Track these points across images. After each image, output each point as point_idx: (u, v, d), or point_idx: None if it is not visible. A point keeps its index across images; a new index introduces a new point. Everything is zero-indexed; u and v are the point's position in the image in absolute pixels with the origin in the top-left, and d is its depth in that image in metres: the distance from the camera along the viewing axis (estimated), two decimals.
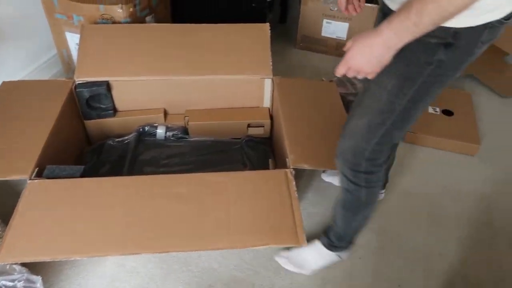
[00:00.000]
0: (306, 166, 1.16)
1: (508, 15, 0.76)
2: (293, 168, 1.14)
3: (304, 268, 1.26)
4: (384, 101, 0.86)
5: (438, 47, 0.78)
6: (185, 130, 1.53)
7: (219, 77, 1.46)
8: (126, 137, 1.48)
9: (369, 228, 1.41)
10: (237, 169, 1.41)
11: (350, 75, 0.80)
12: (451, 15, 0.67)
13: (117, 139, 1.48)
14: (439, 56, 0.79)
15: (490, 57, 2.14)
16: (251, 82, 1.49)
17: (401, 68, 0.81)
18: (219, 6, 2.00)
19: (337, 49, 2.22)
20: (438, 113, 1.79)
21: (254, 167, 1.42)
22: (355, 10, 1.04)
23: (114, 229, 0.98)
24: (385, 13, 0.91)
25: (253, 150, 1.50)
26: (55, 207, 1.02)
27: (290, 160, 1.17)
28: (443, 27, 0.73)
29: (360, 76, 0.80)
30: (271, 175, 1.14)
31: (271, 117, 1.54)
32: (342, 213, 1.14)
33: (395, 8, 0.80)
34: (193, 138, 1.52)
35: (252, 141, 1.52)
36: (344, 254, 1.27)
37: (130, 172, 1.38)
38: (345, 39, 2.17)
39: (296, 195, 1.07)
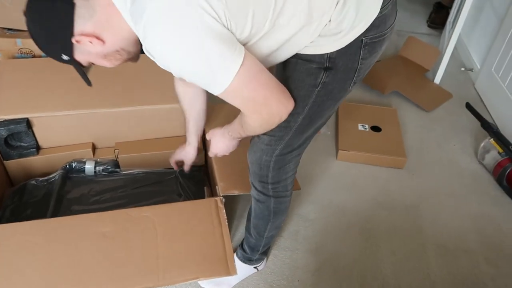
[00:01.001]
0: (236, 192, 1.16)
1: (370, 33, 0.84)
2: (223, 196, 1.14)
3: (223, 284, 1.30)
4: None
5: (319, 71, 0.87)
6: (116, 164, 1.48)
7: (146, 107, 1.43)
8: (52, 176, 1.41)
9: (307, 248, 1.43)
10: (172, 200, 1.38)
11: (220, 156, 1.12)
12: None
13: (41, 179, 1.40)
14: (322, 79, 0.88)
15: (412, 74, 2.29)
16: (180, 111, 1.48)
17: (292, 92, 0.88)
18: None
19: None
20: (367, 130, 1.88)
21: (190, 197, 1.40)
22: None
23: (37, 276, 0.92)
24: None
25: (188, 179, 1.48)
26: None
27: (219, 187, 1.16)
28: (318, 54, 0.85)
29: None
30: (201, 204, 1.13)
31: (204, 144, 1.54)
32: (254, 222, 1.20)
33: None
34: (125, 171, 1.47)
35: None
36: (260, 266, 1.36)
37: (56, 213, 1.30)
38: None
39: (226, 223, 1.07)
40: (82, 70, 0.90)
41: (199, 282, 1.29)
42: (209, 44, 0.72)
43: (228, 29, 0.75)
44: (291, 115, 0.90)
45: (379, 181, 1.72)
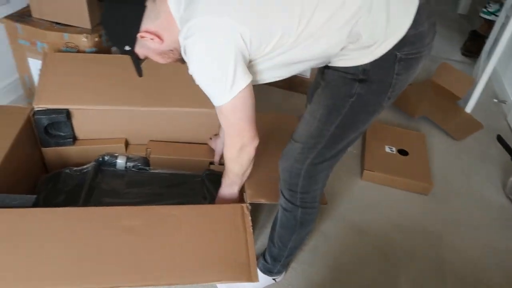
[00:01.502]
0: (263, 201, 1.18)
1: (404, 48, 0.88)
2: (249, 203, 1.15)
3: None
4: (315, 127, 0.99)
5: (354, 82, 0.92)
6: (146, 161, 1.52)
7: (182, 109, 1.47)
8: (85, 166, 1.45)
9: (325, 264, 1.43)
10: (197, 202, 1.41)
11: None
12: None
13: (75, 168, 1.45)
14: (357, 89, 0.92)
15: (443, 100, 2.28)
16: (215, 116, 1.51)
17: (327, 100, 0.96)
18: None
19: (301, 85, 2.29)
20: (394, 152, 1.87)
21: (214, 199, 1.43)
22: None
23: (60, 263, 0.95)
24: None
25: (214, 183, 1.50)
26: (1, 237, 0.98)
27: (247, 194, 1.18)
28: (352, 66, 0.90)
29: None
30: (227, 209, 1.14)
31: None
32: (279, 232, 1.21)
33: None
34: (153, 170, 1.51)
35: (213, 174, 1.53)
36: (278, 278, 1.36)
37: (87, 203, 1.34)
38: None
39: (251, 230, 1.08)
40: (138, 61, 1.06)
41: (217, 284, 1.29)
42: (225, 68, 0.86)
43: (247, 54, 0.88)
44: (324, 123, 0.96)
45: (403, 205, 1.71)
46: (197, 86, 1.49)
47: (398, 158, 1.85)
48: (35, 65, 1.71)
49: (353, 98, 0.93)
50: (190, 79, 1.51)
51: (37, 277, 0.93)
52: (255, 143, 1.02)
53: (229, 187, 1.19)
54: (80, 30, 1.62)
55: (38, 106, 1.38)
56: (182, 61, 1.01)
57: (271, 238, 1.26)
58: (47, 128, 1.41)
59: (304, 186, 1.07)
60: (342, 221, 1.60)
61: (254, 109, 0.97)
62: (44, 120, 1.38)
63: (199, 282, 0.98)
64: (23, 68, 1.76)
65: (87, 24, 1.62)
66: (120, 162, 1.48)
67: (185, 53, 0.91)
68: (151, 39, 0.96)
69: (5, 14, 1.67)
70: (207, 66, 0.89)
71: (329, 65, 0.96)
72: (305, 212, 1.13)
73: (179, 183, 1.49)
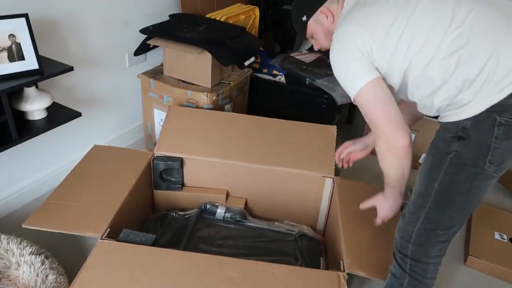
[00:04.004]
0: (361, 274, 1.15)
1: (505, 114, 0.88)
2: (347, 273, 1.13)
3: None
4: (422, 185, 1.02)
5: (453, 139, 0.95)
6: (243, 215, 1.58)
7: (281, 169, 1.53)
8: (189, 212, 1.57)
9: None
10: (288, 262, 1.41)
11: (388, 218, 1.18)
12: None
13: (180, 212, 1.56)
14: (455, 147, 0.94)
15: None
16: (312, 179, 1.54)
17: (430, 158, 1.01)
18: (290, 103, 2.16)
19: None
20: (505, 241, 1.70)
21: (305, 262, 1.42)
22: (345, 164, 1.41)
23: None
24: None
25: (306, 245, 1.50)
26: (118, 269, 1.09)
27: (345, 263, 1.16)
28: (453, 122, 0.94)
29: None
30: (323, 275, 1.13)
31: (327, 216, 1.56)
32: None
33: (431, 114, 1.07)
34: (249, 223, 1.56)
35: (306, 236, 1.54)
36: None
37: (187, 246, 1.43)
38: None
39: None
40: (302, 37, 1.24)
41: None
42: (352, 63, 1.01)
43: (371, 59, 1.00)
44: (429, 181, 0.98)
45: None
46: (302, 149, 1.58)
47: (509, 247, 1.67)
48: (158, 115, 1.95)
49: (451, 155, 0.95)
50: (297, 142, 1.61)
51: None
52: (401, 142, 0.98)
53: (392, 194, 1.12)
54: (201, 89, 1.81)
55: (158, 152, 1.55)
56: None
57: None
58: (161, 173, 1.57)
59: (413, 251, 1.05)
60: None
61: (391, 105, 0.99)
62: (161, 166, 1.54)
63: None
64: (148, 116, 2.00)
65: (208, 84, 1.82)
66: (220, 211, 1.57)
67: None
68: (326, 16, 1.13)
69: (143, 71, 1.95)
70: (338, 61, 1.03)
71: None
72: (412, 284, 1.07)
73: (272, 240, 1.51)
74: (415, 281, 1.07)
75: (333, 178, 1.52)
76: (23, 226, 1.18)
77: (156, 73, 1.92)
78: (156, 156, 1.55)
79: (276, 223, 1.56)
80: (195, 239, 1.48)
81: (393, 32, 0.96)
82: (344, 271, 1.13)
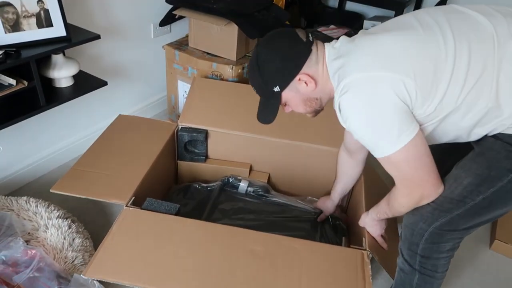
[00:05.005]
0: (376, 257, 1.13)
1: None
2: (370, 251, 1.12)
3: None
4: (457, 193, 0.92)
5: None
6: (266, 189, 1.58)
7: (305, 144, 1.51)
8: (212, 184, 1.57)
9: None
10: (309, 238, 1.41)
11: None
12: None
13: (203, 184, 1.57)
14: None
15: None
16: (336, 155, 1.51)
17: (481, 169, 0.89)
18: None
19: None
20: None
21: (327, 240, 1.41)
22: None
23: (192, 271, 1.03)
24: None
25: (328, 223, 1.49)
26: (142, 236, 1.10)
27: (366, 241, 1.15)
28: None
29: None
30: (346, 253, 1.12)
31: (350, 193, 1.54)
32: None
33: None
34: (272, 198, 1.56)
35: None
36: None
37: (209, 218, 1.44)
38: None
39: (370, 279, 1.04)
40: (277, 106, 1.03)
41: None
42: (391, 117, 0.84)
43: (411, 107, 0.85)
44: (470, 191, 0.89)
45: None
46: (327, 124, 1.54)
47: None
48: (182, 87, 1.93)
49: None
50: (322, 116, 1.57)
51: (169, 277, 1.01)
52: (440, 190, 0.93)
53: (381, 221, 1.16)
54: (226, 61, 1.79)
55: (182, 124, 1.55)
56: (316, 113, 1.05)
57: None
58: (186, 144, 1.57)
59: (424, 249, 0.99)
60: None
61: (430, 157, 0.89)
62: (186, 137, 1.54)
63: None
64: (172, 88, 1.99)
65: (233, 57, 1.79)
66: (243, 185, 1.57)
67: (339, 109, 0.91)
68: (306, 83, 0.95)
69: (168, 42, 1.93)
70: (368, 119, 0.86)
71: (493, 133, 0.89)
72: (422, 280, 1.03)
73: (295, 216, 1.51)
74: (426, 277, 1.03)
75: None
76: (51, 190, 1.21)
77: (181, 45, 1.90)
78: (181, 127, 1.54)
79: (298, 199, 1.55)
80: (217, 212, 1.49)
81: (440, 72, 0.82)
82: (367, 249, 1.12)
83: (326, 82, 0.96)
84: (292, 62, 0.94)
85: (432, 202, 0.95)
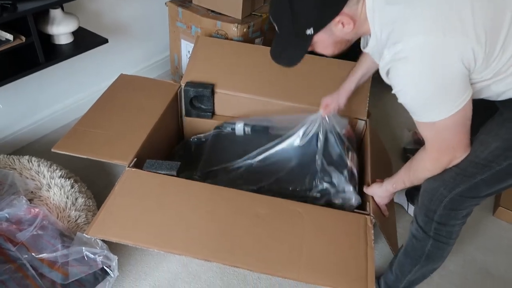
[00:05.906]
0: (378, 223, 1.13)
1: None
2: (373, 216, 1.11)
3: None
4: (482, 157, 0.88)
5: None
6: (264, 126, 1.48)
7: (313, 108, 1.46)
8: (208, 133, 1.52)
9: None
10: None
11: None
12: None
13: (199, 135, 1.53)
14: None
15: None
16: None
17: (509, 134, 0.85)
18: None
19: None
20: None
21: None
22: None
23: (193, 232, 1.03)
24: None
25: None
26: (145, 197, 1.10)
27: (371, 207, 1.14)
28: None
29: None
30: (350, 218, 1.11)
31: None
32: (400, 259, 1.13)
33: None
34: (273, 133, 1.45)
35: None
36: None
37: (208, 162, 1.38)
38: None
39: (373, 244, 1.04)
40: (306, 48, 0.91)
41: None
42: (450, 88, 0.78)
43: (471, 71, 0.78)
44: (497, 156, 0.86)
45: None
46: (335, 89, 1.49)
47: None
48: (186, 46, 1.87)
49: None
50: (329, 81, 1.52)
51: (171, 238, 1.02)
52: (466, 154, 0.89)
53: (391, 195, 1.14)
54: (231, 20, 1.71)
55: (187, 80, 1.50)
56: (338, 52, 0.94)
57: (390, 264, 1.18)
58: (192, 100, 1.52)
59: (442, 215, 0.96)
60: (463, 257, 1.45)
61: (470, 119, 0.84)
62: (191, 92, 1.48)
63: (315, 283, 0.98)
64: (175, 47, 1.93)
65: (238, 15, 1.71)
66: (239, 126, 1.48)
67: (386, 74, 0.83)
68: (342, 24, 0.84)
69: None
70: (425, 91, 0.79)
71: None
72: (436, 246, 1.02)
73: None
74: (439, 243, 1.01)
75: (365, 121, 1.45)
76: (52, 150, 1.19)
77: (184, 1, 1.82)
78: (187, 82, 1.49)
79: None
80: (214, 159, 1.40)
81: (510, 37, 0.76)
82: (370, 214, 1.11)
83: (363, 23, 0.85)
84: (330, 2, 0.83)
85: (455, 166, 0.91)
